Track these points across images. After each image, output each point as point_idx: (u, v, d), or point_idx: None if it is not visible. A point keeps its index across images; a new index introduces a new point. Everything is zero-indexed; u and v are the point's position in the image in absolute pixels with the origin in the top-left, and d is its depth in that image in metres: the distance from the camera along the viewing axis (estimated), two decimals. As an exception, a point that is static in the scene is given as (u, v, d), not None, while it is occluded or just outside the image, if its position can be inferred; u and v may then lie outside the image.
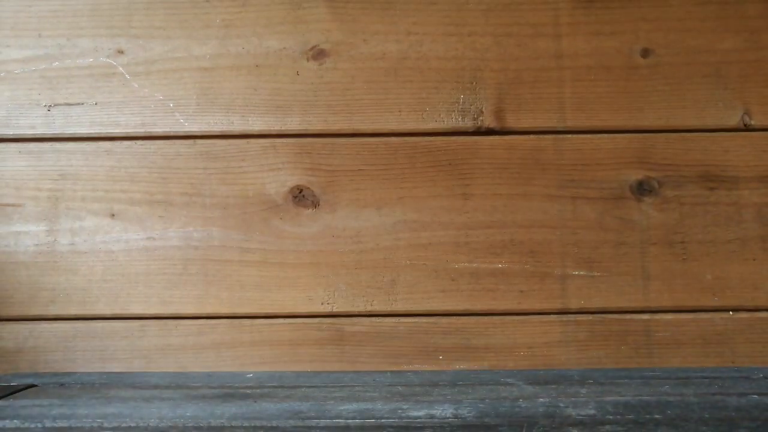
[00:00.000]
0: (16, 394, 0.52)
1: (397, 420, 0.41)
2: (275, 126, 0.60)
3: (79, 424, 0.42)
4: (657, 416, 0.41)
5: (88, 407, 0.47)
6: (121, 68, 0.61)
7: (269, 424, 0.40)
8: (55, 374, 0.59)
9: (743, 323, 0.57)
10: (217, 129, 0.61)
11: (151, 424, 0.42)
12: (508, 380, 0.53)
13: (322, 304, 0.60)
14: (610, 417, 0.40)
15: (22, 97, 0.61)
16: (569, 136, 0.59)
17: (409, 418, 0.41)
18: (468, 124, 0.60)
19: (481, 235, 0.59)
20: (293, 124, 0.60)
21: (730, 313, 0.57)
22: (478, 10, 0.60)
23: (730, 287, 0.57)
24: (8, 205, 0.61)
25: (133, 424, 0.42)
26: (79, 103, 0.61)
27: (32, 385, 0.55)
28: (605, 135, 0.59)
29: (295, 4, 0.60)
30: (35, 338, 0.60)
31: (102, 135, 0.62)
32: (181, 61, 0.61)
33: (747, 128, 0.59)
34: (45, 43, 0.62)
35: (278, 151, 0.60)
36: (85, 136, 0.62)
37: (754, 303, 0.57)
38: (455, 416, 0.42)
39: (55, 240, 0.60)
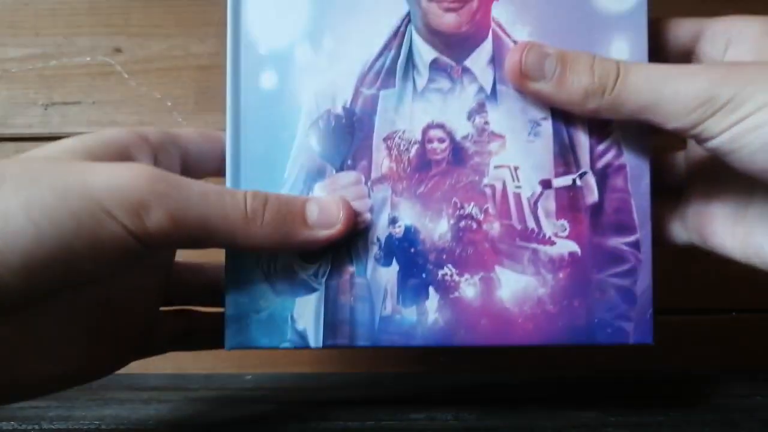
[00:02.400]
0: (13, 394, 0.52)
1: (397, 422, 0.41)
2: (273, 124, 0.60)
3: (76, 426, 0.42)
4: (659, 417, 0.41)
5: (85, 409, 0.46)
6: (118, 67, 0.60)
7: (268, 426, 0.40)
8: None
9: (746, 324, 0.57)
10: (215, 128, 0.59)
11: (149, 426, 0.42)
12: (509, 381, 0.53)
13: (320, 302, 0.59)
14: (612, 418, 0.40)
15: (19, 95, 0.60)
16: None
17: (410, 419, 0.41)
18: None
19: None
20: (291, 122, 0.59)
21: (733, 313, 0.57)
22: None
23: (733, 288, 0.56)
24: (6, 205, 0.61)
25: (131, 426, 0.42)
26: (76, 102, 0.60)
27: (29, 384, 0.55)
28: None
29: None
30: (32, 335, 0.59)
31: (100, 134, 0.61)
32: (179, 60, 0.60)
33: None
34: (42, 41, 0.60)
35: (276, 149, 0.59)
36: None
37: (757, 304, 0.57)
38: (456, 418, 0.41)
39: (53, 237, 0.60)
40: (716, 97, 0.33)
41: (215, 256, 0.39)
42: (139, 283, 0.39)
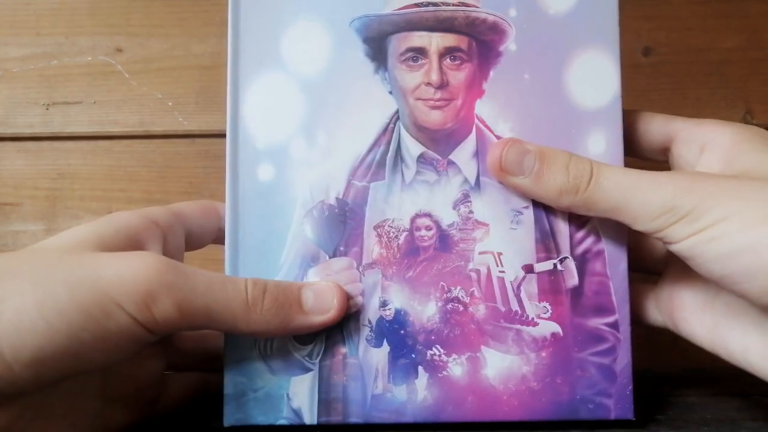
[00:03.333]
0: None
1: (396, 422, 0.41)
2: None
3: None
4: (658, 416, 0.42)
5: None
6: (119, 66, 0.61)
7: (268, 427, 0.41)
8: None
9: None
10: (216, 128, 0.61)
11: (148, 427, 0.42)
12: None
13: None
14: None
15: (20, 95, 0.61)
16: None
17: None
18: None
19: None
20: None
21: None
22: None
23: None
24: (6, 204, 0.62)
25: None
26: (77, 102, 0.61)
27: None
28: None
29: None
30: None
31: (100, 134, 0.62)
32: (180, 60, 0.61)
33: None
34: (43, 41, 0.61)
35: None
36: (83, 135, 0.62)
37: None
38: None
39: (54, 239, 0.61)
40: (678, 207, 0.35)
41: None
42: (142, 353, 0.40)
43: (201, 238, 0.43)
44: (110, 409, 0.39)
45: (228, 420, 0.40)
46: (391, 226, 0.40)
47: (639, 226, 0.37)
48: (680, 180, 0.36)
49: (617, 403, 0.40)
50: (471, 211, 0.40)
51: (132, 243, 0.38)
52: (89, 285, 0.33)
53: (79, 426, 0.37)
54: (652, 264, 0.44)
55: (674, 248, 0.36)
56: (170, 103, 0.61)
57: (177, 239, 0.41)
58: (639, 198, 0.36)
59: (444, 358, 0.40)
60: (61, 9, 0.62)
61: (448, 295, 0.40)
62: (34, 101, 0.61)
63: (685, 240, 0.35)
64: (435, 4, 0.40)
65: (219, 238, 0.43)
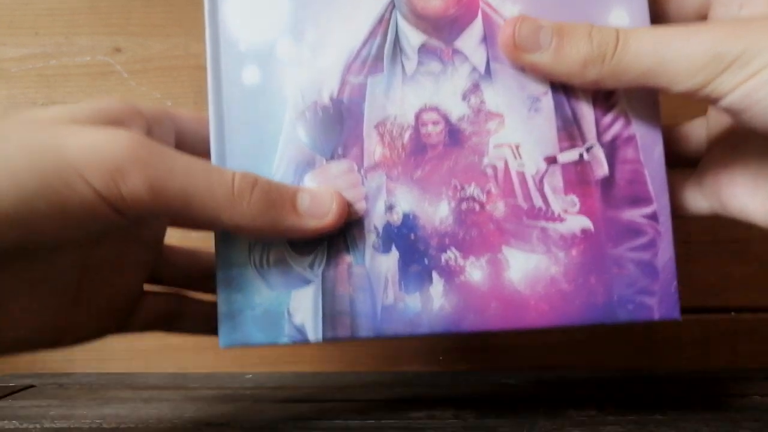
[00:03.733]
0: (15, 395, 0.51)
1: (397, 421, 0.40)
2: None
3: (77, 425, 0.41)
4: (658, 417, 0.39)
5: (86, 408, 0.46)
6: (118, 66, 0.60)
7: (269, 425, 0.39)
8: (54, 375, 0.58)
9: (746, 324, 0.55)
10: None
11: (150, 424, 0.41)
12: (509, 381, 0.51)
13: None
14: (611, 417, 0.39)
15: (19, 95, 0.60)
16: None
17: (410, 419, 0.40)
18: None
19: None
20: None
21: (732, 313, 0.55)
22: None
23: (733, 288, 0.55)
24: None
25: (131, 425, 0.41)
26: (76, 102, 0.60)
27: (31, 386, 0.54)
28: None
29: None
30: (32, 339, 0.59)
31: (99, 134, 0.60)
32: (179, 59, 0.60)
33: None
34: (42, 41, 0.60)
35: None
36: (81, 135, 0.60)
37: (757, 304, 0.55)
38: (456, 417, 0.40)
39: (51, 239, 0.59)
40: (724, 54, 0.31)
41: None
42: (121, 255, 0.38)
43: (193, 145, 0.39)
44: (79, 311, 0.36)
45: (224, 341, 0.36)
46: (394, 124, 0.36)
47: (679, 85, 0.32)
48: (720, 26, 0.32)
49: (661, 302, 0.35)
50: (483, 101, 0.36)
51: (111, 125, 0.34)
52: (50, 151, 0.29)
53: (39, 323, 0.35)
54: (687, 154, 0.40)
55: (724, 103, 0.32)
56: (169, 103, 0.59)
57: (165, 134, 0.37)
58: (675, 53, 0.32)
59: (461, 261, 0.36)
60: (60, 9, 0.60)
61: (462, 194, 0.36)
62: (32, 101, 0.60)
63: (738, 89, 0.31)
64: None
65: None
